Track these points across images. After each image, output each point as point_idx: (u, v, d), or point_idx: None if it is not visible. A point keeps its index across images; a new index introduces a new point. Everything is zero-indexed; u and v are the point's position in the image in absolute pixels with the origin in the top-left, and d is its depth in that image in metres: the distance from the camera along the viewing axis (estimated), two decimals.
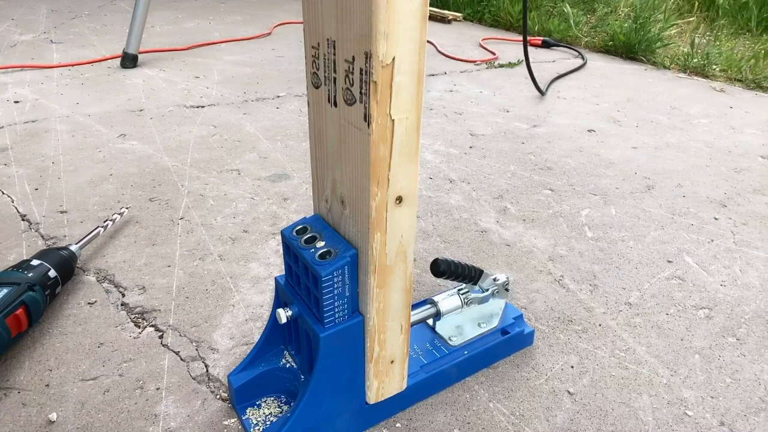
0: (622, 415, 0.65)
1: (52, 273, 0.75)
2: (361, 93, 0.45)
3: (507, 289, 0.74)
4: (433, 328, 0.72)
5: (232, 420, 0.62)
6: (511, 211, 1.08)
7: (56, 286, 0.76)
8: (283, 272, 0.61)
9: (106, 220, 0.92)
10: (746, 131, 1.56)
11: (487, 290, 0.73)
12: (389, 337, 0.57)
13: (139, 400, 0.64)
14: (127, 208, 0.98)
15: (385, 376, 0.60)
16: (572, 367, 0.71)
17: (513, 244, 0.97)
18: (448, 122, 1.53)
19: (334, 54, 0.47)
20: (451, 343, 0.70)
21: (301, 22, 2.62)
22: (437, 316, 0.69)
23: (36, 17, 2.59)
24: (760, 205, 1.14)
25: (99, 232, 0.89)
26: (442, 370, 0.66)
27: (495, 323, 0.72)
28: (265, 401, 0.64)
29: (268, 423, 0.61)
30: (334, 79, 0.48)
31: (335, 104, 0.49)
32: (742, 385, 0.70)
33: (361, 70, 0.44)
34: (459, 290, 0.72)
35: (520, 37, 2.56)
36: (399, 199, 0.50)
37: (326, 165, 0.54)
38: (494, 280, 0.73)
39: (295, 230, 0.56)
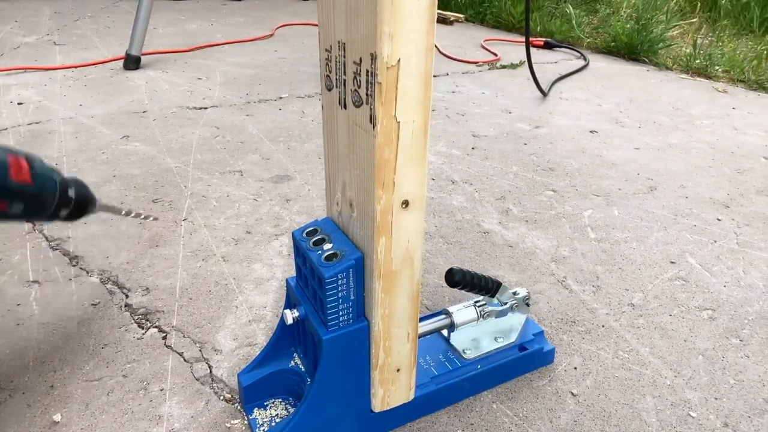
0: (626, 417, 0.65)
1: (71, 192, 0.66)
2: (367, 94, 0.45)
3: (528, 304, 0.72)
4: (447, 340, 0.70)
5: (236, 421, 0.62)
6: (514, 213, 1.08)
7: (67, 204, 0.66)
8: (289, 273, 0.61)
9: (131, 212, 0.82)
10: (749, 132, 1.56)
11: (506, 304, 0.70)
12: (395, 345, 0.56)
13: (143, 401, 0.64)
14: (155, 219, 0.93)
15: (391, 384, 0.58)
16: (575, 368, 0.71)
17: (515, 245, 0.97)
18: (451, 123, 1.53)
19: (344, 56, 0.47)
20: (465, 356, 0.68)
21: (303, 24, 2.60)
22: (451, 327, 0.67)
23: (39, 19, 2.60)
24: (763, 206, 1.14)
25: (121, 211, 0.80)
26: (453, 383, 0.64)
27: (513, 338, 0.70)
28: (272, 402, 0.64)
29: (273, 424, 0.61)
30: (344, 81, 0.48)
31: (345, 106, 0.49)
32: (745, 386, 0.69)
33: (367, 71, 0.44)
34: (476, 302, 0.69)
35: (522, 38, 2.55)
36: (405, 203, 0.49)
37: (337, 167, 0.53)
38: (514, 293, 0.70)
39: (305, 232, 0.56)
